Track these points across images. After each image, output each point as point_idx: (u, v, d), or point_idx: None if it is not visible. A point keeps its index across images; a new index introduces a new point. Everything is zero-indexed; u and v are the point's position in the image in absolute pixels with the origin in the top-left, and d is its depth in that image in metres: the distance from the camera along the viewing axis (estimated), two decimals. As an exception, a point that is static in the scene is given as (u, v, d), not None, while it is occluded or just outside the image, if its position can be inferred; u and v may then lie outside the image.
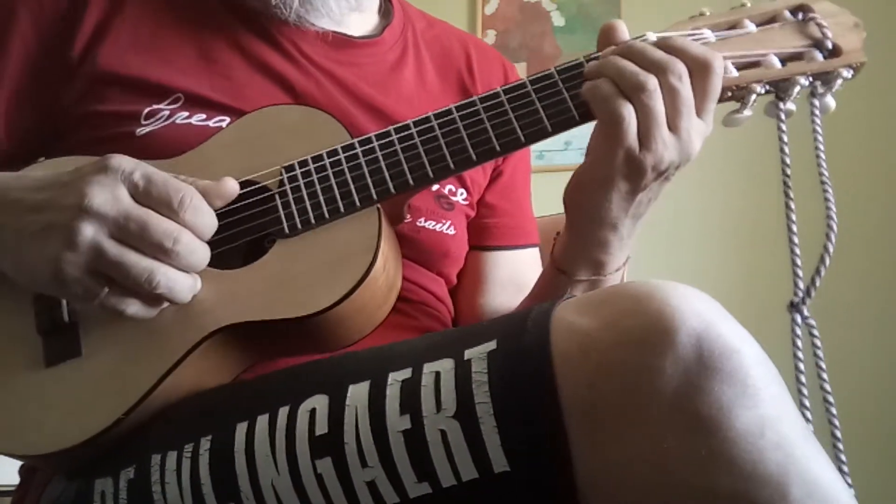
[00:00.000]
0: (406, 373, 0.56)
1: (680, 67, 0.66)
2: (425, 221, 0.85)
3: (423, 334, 0.70)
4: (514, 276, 0.96)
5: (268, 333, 0.68)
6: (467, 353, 0.55)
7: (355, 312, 0.68)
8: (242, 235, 0.72)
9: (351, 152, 0.72)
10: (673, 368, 0.49)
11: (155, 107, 0.78)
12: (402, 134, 0.72)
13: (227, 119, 0.79)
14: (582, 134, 0.70)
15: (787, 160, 0.71)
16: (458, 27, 1.06)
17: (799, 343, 0.64)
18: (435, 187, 0.86)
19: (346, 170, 0.71)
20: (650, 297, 0.52)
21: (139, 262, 0.62)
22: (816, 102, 0.71)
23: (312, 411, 0.58)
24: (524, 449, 0.51)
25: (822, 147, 0.70)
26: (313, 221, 0.70)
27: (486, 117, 0.71)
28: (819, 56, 0.71)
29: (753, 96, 0.71)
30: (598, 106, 0.67)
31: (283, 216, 0.71)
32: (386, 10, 0.96)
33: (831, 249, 0.66)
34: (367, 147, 0.72)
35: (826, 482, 0.48)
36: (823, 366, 0.64)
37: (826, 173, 0.68)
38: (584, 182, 0.71)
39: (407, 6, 1.00)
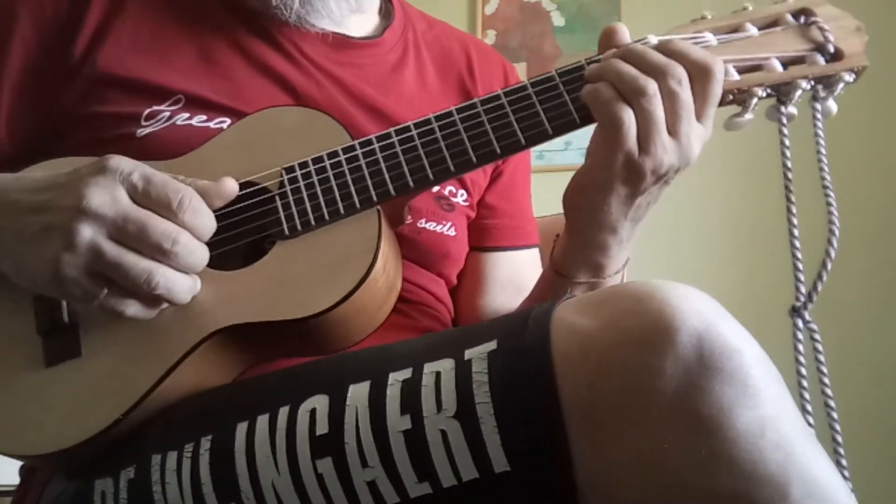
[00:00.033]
0: (406, 373, 0.56)
1: (680, 72, 0.66)
2: (426, 223, 0.85)
3: (423, 334, 0.70)
4: (514, 276, 0.96)
5: (267, 335, 0.68)
6: (467, 353, 0.55)
7: (355, 314, 0.68)
8: (242, 237, 0.72)
9: (351, 154, 0.72)
10: (673, 368, 0.49)
11: (155, 108, 0.78)
12: (403, 136, 0.72)
13: (228, 120, 0.79)
14: (582, 134, 0.70)
15: (789, 164, 0.70)
16: (458, 27, 1.06)
17: (801, 348, 0.64)
18: (435, 189, 0.86)
19: (347, 171, 0.71)
20: (650, 297, 0.52)
21: (138, 263, 0.62)
22: (818, 106, 0.71)
23: (313, 411, 0.58)
24: (524, 449, 0.51)
25: (824, 151, 0.70)
26: (313, 223, 0.70)
27: (487, 119, 0.71)
28: (821, 60, 0.71)
29: (755, 100, 0.71)
30: (598, 110, 0.67)
31: (283, 217, 0.71)
32: (386, 11, 0.96)
33: (833, 254, 0.66)
34: (368, 149, 0.72)
35: (826, 482, 0.48)
36: (825, 370, 0.64)
37: (828, 177, 0.68)
38: (583, 185, 0.71)
39: (408, 7, 1.00)
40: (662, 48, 0.68)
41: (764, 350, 0.52)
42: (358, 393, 0.57)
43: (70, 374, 0.68)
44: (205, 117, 0.79)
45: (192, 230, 0.64)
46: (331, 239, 0.70)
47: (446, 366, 0.55)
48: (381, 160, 0.71)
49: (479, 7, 2.58)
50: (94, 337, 0.69)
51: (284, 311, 0.67)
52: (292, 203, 0.71)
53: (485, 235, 0.96)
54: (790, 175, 0.70)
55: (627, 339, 0.51)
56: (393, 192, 0.70)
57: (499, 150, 0.70)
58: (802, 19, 0.73)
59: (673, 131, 0.66)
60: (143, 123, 0.78)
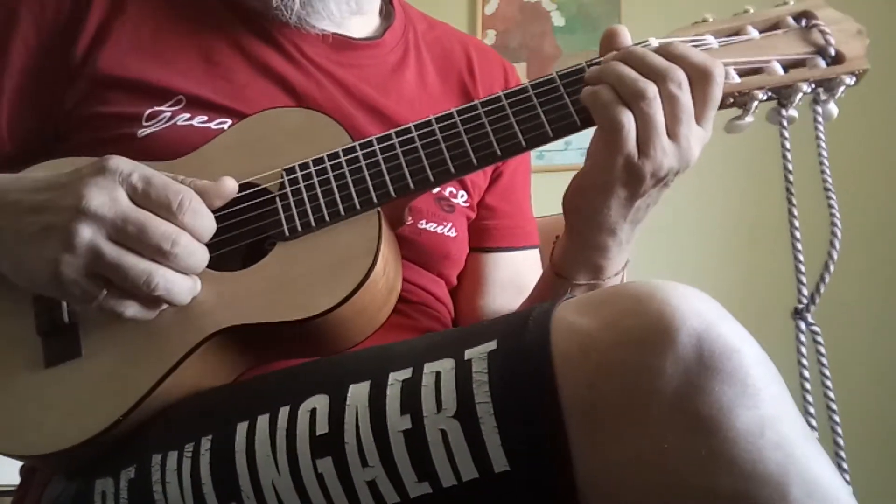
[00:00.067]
0: (406, 373, 0.56)
1: (680, 75, 0.66)
2: (426, 223, 0.85)
3: (423, 335, 0.70)
4: (514, 277, 0.96)
5: (267, 336, 0.68)
6: (468, 353, 0.55)
7: (355, 315, 0.68)
8: (242, 238, 0.72)
9: (352, 155, 0.72)
10: (673, 368, 0.49)
11: (156, 108, 0.78)
12: (403, 137, 0.72)
13: (229, 121, 0.79)
14: (582, 134, 0.70)
15: (790, 166, 0.70)
16: (458, 27, 1.06)
17: (803, 350, 0.64)
18: (436, 190, 0.86)
19: (347, 173, 0.71)
20: (650, 297, 0.52)
21: (137, 264, 0.62)
22: (819, 109, 0.71)
23: (313, 411, 0.58)
24: (524, 449, 0.51)
25: (825, 154, 0.70)
26: (313, 224, 0.70)
27: (488, 121, 0.71)
28: (822, 63, 0.71)
29: (755, 103, 0.71)
30: (598, 113, 0.67)
31: (283, 219, 0.71)
32: (387, 12, 0.96)
33: (836, 256, 0.66)
34: (368, 150, 0.72)
35: (826, 482, 0.48)
36: (828, 373, 0.64)
37: (829, 180, 0.68)
38: (583, 187, 0.71)
39: (408, 8, 1.00)
40: (663, 51, 0.68)
41: (764, 350, 0.52)
42: (358, 393, 0.57)
43: (70, 374, 0.68)
44: (205, 118, 0.79)
45: (191, 231, 0.64)
46: (331, 240, 0.70)
47: (446, 366, 0.55)
48: (381, 161, 0.71)
49: (479, 7, 2.58)
50: (94, 337, 0.69)
51: (284, 313, 0.67)
52: (292, 204, 0.71)
53: (485, 236, 0.96)
54: (791, 177, 0.70)
55: (627, 339, 0.51)
56: (393, 193, 0.70)
57: (499, 152, 0.70)
58: (804, 22, 0.73)
59: (673, 134, 0.66)
60: (144, 124, 0.78)
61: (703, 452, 0.48)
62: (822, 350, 0.65)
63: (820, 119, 0.71)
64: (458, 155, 0.71)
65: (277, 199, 0.72)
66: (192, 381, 0.68)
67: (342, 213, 0.70)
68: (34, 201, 0.65)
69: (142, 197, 0.63)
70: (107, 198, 0.62)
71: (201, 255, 0.65)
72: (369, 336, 0.71)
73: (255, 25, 0.85)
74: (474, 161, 0.71)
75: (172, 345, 0.67)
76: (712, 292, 0.54)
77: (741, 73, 0.71)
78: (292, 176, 0.72)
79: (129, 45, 0.81)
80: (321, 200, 0.71)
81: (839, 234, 0.67)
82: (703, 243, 2.32)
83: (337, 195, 0.71)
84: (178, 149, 0.75)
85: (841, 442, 0.63)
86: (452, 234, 0.88)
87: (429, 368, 0.56)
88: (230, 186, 0.69)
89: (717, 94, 0.67)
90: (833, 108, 0.72)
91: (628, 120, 0.65)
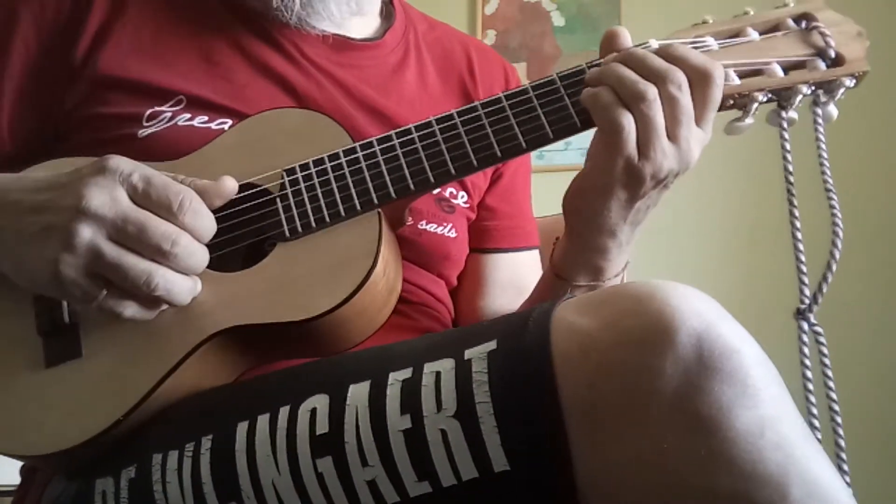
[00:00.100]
0: (406, 372, 0.57)
1: (680, 77, 0.66)
2: (426, 224, 0.85)
3: (423, 335, 0.70)
4: (514, 278, 0.96)
5: (267, 337, 0.68)
6: (467, 353, 0.55)
7: (355, 316, 0.68)
8: (243, 238, 0.72)
9: (352, 156, 0.72)
10: (673, 368, 0.49)
11: (157, 109, 0.78)
12: (404, 138, 0.72)
13: (229, 121, 0.79)
14: (582, 134, 0.70)
15: (790, 168, 0.70)
16: (458, 27, 1.06)
17: (806, 350, 0.64)
18: (436, 191, 0.86)
19: (348, 174, 0.71)
20: (650, 297, 0.52)
21: (137, 264, 0.62)
22: (819, 111, 0.71)
23: (313, 411, 0.58)
24: (524, 448, 0.51)
25: (825, 156, 0.70)
26: (314, 225, 0.70)
27: (488, 122, 0.71)
28: (822, 65, 0.71)
29: (755, 104, 0.71)
30: (598, 114, 0.67)
31: (283, 219, 0.71)
32: (388, 13, 0.96)
33: (837, 256, 0.66)
34: (369, 151, 0.72)
35: (826, 482, 0.48)
36: (830, 374, 0.64)
37: (830, 182, 0.68)
38: (583, 188, 0.71)
39: (409, 8, 1.00)
40: (663, 53, 0.68)
41: (764, 351, 0.52)
42: (358, 393, 0.57)
43: (70, 374, 0.68)
44: (206, 118, 0.79)
45: (192, 232, 0.64)
46: (331, 241, 0.70)
47: (446, 366, 0.55)
48: (381, 162, 0.71)
49: (479, 7, 2.58)
50: (94, 337, 0.69)
51: (284, 313, 0.67)
52: (293, 205, 0.71)
53: (485, 237, 0.96)
54: (792, 179, 0.70)
55: (627, 339, 0.51)
56: (393, 194, 0.71)
57: (499, 154, 0.70)
58: (804, 24, 0.73)
59: (673, 136, 0.66)
60: (145, 124, 0.78)
61: (702, 452, 0.48)
62: (825, 350, 0.65)
63: (820, 121, 0.71)
64: (458, 156, 0.71)
65: (278, 199, 0.72)
66: (192, 382, 0.68)
67: (342, 213, 0.70)
68: (35, 201, 0.65)
69: (142, 197, 0.63)
70: (107, 198, 0.62)
71: (201, 256, 0.65)
72: (369, 336, 0.71)
73: (255, 26, 0.85)
74: (474, 162, 0.71)
75: (173, 345, 0.67)
76: (712, 294, 0.54)
77: (741, 75, 0.71)
78: (293, 177, 0.72)
79: (129, 46, 0.81)
80: (321, 201, 0.71)
81: (841, 234, 0.67)
82: (702, 245, 2.32)
83: (337, 196, 0.71)
84: (179, 149, 0.75)
85: (842, 443, 0.63)
86: (452, 234, 0.88)
87: (429, 368, 0.56)
88: (230, 186, 0.69)
89: (717, 95, 0.67)
90: (833, 109, 0.72)
91: (628, 122, 0.65)
